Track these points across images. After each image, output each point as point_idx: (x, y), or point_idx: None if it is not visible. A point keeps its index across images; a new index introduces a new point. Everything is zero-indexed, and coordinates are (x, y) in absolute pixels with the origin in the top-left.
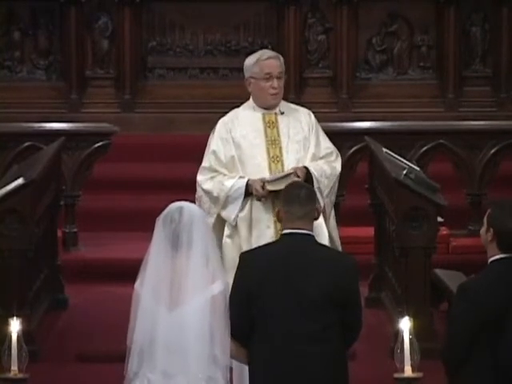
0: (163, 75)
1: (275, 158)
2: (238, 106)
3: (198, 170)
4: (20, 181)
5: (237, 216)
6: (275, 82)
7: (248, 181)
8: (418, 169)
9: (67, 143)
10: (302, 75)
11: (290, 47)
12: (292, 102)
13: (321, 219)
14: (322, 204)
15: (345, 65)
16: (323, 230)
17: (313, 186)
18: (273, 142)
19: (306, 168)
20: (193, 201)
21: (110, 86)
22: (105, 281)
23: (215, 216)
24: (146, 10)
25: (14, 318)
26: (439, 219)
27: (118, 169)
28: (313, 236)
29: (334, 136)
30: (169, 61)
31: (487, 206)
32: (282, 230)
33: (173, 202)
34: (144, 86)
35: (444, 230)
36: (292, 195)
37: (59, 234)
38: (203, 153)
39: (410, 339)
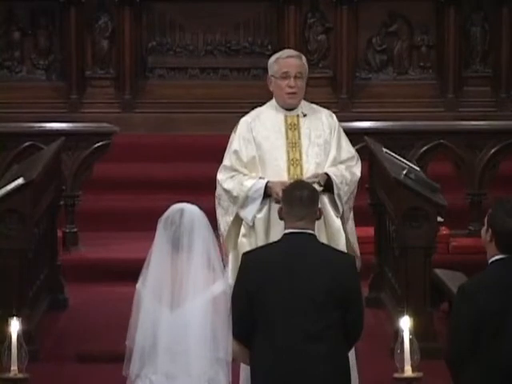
0: (163, 75)
1: (294, 162)
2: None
3: (197, 170)
4: (20, 181)
5: (254, 217)
6: (292, 81)
7: (267, 183)
8: (418, 169)
9: (67, 143)
10: None
11: (289, 47)
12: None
13: (339, 223)
14: (340, 210)
15: (345, 65)
16: (341, 235)
17: (333, 193)
18: (293, 145)
19: (326, 174)
20: (192, 201)
21: (110, 86)
22: (105, 281)
23: (234, 215)
24: (146, 10)
25: (14, 317)
26: (439, 219)
27: (118, 169)
28: (314, 235)
29: None
30: (169, 61)
31: (491, 205)
32: (284, 229)
33: (173, 202)
34: (144, 85)
35: (444, 230)
36: (294, 196)
37: (59, 234)
38: (203, 153)
39: (410, 339)
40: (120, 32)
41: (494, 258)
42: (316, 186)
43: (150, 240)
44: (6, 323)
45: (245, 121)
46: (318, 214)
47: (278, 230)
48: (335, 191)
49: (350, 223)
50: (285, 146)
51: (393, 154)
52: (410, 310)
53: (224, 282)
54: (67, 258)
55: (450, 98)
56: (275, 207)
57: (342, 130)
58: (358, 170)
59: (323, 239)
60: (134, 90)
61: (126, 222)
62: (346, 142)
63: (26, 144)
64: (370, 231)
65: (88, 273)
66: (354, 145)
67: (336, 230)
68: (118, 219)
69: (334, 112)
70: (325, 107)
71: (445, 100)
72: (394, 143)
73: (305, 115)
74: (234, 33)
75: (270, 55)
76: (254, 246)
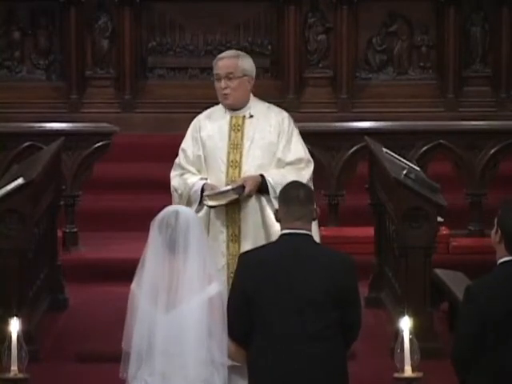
0: (163, 75)
1: (234, 163)
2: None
3: None
4: (20, 181)
5: None
6: (222, 83)
7: (204, 185)
8: (418, 169)
9: (67, 143)
10: (302, 75)
11: (290, 47)
12: (291, 103)
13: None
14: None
15: (345, 65)
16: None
17: (268, 194)
18: (235, 147)
19: (262, 176)
20: None
21: (109, 85)
22: (105, 281)
23: None
24: (146, 10)
25: (14, 317)
26: (439, 219)
27: (118, 169)
28: (311, 236)
29: (334, 136)
30: (169, 61)
31: (500, 206)
32: (280, 230)
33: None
34: (144, 85)
35: (444, 230)
36: (290, 196)
37: (59, 233)
38: None
39: (410, 339)
40: (120, 32)
41: (502, 260)
42: (234, 195)
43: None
44: (6, 323)
45: (197, 118)
46: (315, 214)
47: (214, 232)
48: (271, 194)
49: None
50: (226, 147)
51: (393, 154)
52: (410, 309)
53: (219, 284)
54: (67, 258)
55: (449, 98)
56: (215, 208)
57: (296, 134)
58: (307, 173)
59: (261, 241)
60: (134, 90)
61: (126, 222)
62: (297, 144)
63: (26, 144)
64: (370, 231)
65: (88, 273)
66: (353, 145)
67: (275, 231)
68: (118, 219)
69: (334, 112)
70: (325, 107)
71: (445, 100)
72: (394, 143)
73: (251, 116)
74: (233, 33)
75: (270, 55)
76: None
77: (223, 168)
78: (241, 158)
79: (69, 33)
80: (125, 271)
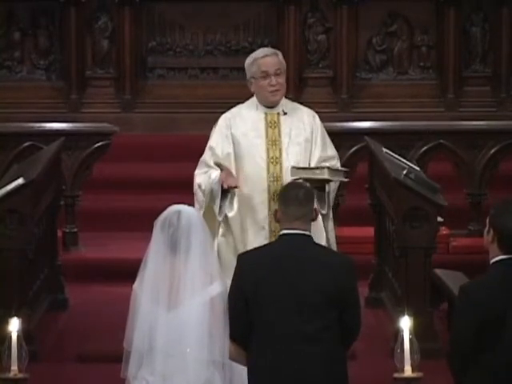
0: (163, 75)
1: (274, 160)
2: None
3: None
4: (20, 181)
5: (220, 210)
6: (273, 80)
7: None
8: (418, 169)
9: (67, 143)
10: (301, 75)
11: (289, 47)
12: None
13: (320, 221)
14: (327, 209)
15: (345, 65)
16: (322, 232)
17: (320, 190)
18: (273, 143)
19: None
20: (193, 201)
21: (109, 85)
22: (105, 281)
23: (204, 209)
24: (146, 10)
25: (14, 317)
26: (439, 219)
27: (118, 169)
28: (310, 236)
29: (333, 136)
30: (169, 61)
31: (494, 206)
32: (280, 230)
33: (173, 202)
34: (144, 85)
35: (444, 230)
36: (290, 195)
37: (59, 233)
38: (203, 153)
39: (410, 339)
40: (120, 32)
41: (496, 259)
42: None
43: (150, 240)
44: (6, 323)
45: (225, 117)
46: (315, 215)
47: (254, 229)
48: (326, 188)
49: (330, 222)
50: (265, 143)
51: (393, 154)
52: (410, 310)
53: (221, 284)
54: (67, 258)
55: (449, 98)
56: (248, 205)
57: (325, 131)
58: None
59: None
60: (134, 90)
61: (126, 222)
62: (330, 143)
63: (26, 144)
64: (370, 231)
65: (88, 273)
66: (353, 145)
67: (319, 228)
68: (118, 219)
69: (334, 112)
70: (325, 107)
71: (445, 100)
72: (394, 143)
73: (285, 113)
74: (234, 33)
75: None
76: (231, 246)
77: (263, 164)
78: (280, 154)
79: (69, 33)
80: (125, 271)
